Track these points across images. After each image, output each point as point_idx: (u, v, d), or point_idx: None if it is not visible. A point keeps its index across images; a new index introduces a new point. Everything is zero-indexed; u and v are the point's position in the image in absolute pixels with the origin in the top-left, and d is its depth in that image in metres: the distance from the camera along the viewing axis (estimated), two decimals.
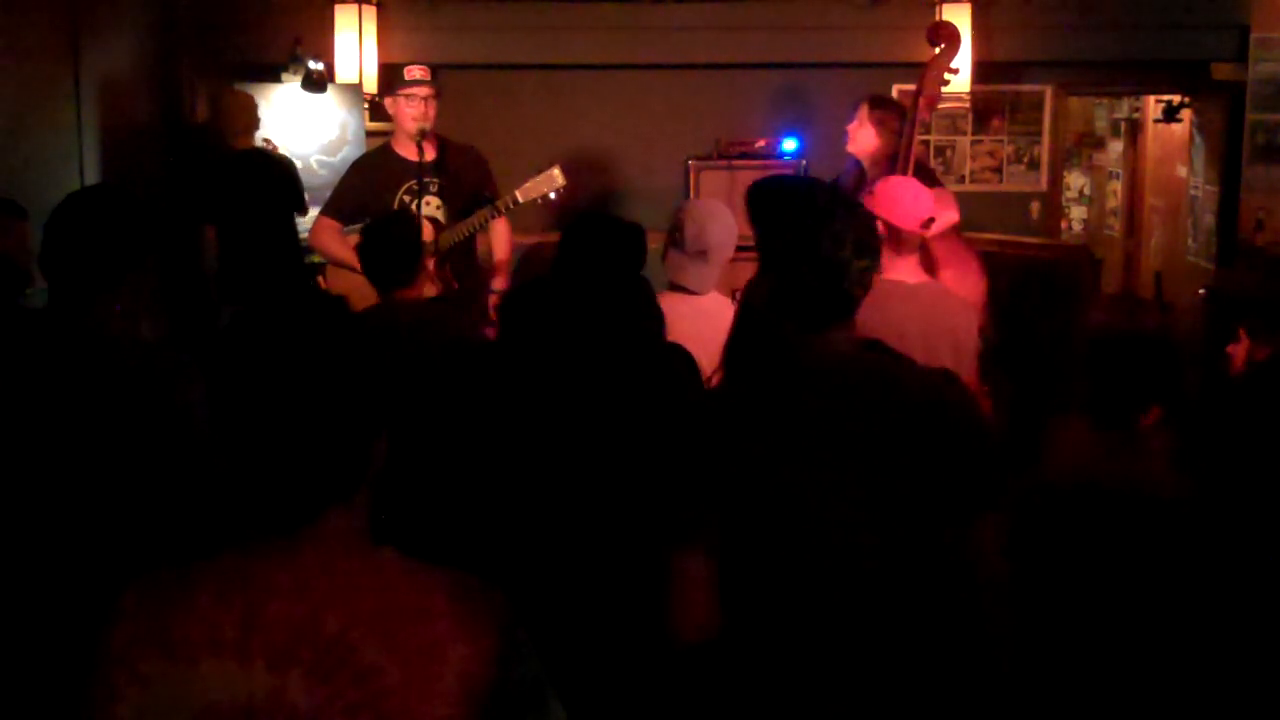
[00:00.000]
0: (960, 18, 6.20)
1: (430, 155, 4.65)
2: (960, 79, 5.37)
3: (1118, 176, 9.65)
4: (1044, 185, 7.19)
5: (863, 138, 4.62)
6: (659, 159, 6.58)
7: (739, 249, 3.61)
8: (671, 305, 3.07)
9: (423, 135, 4.57)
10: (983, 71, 6.52)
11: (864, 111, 4.61)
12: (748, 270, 2.25)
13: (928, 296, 3.37)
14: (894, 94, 5.88)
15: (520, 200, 4.59)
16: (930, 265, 3.84)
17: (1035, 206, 7.16)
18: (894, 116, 4.59)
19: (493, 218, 4.67)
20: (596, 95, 6.89)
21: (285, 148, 6.14)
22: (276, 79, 6.34)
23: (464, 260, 4.77)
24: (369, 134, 6.30)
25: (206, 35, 6.39)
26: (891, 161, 4.50)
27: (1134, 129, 9.21)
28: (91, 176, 5.19)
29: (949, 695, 2.03)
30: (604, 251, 3.00)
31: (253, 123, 6.00)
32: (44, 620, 2.26)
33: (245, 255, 5.68)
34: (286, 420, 1.38)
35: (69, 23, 5.10)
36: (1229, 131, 6.80)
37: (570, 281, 2.85)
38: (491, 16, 6.57)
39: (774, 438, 2.02)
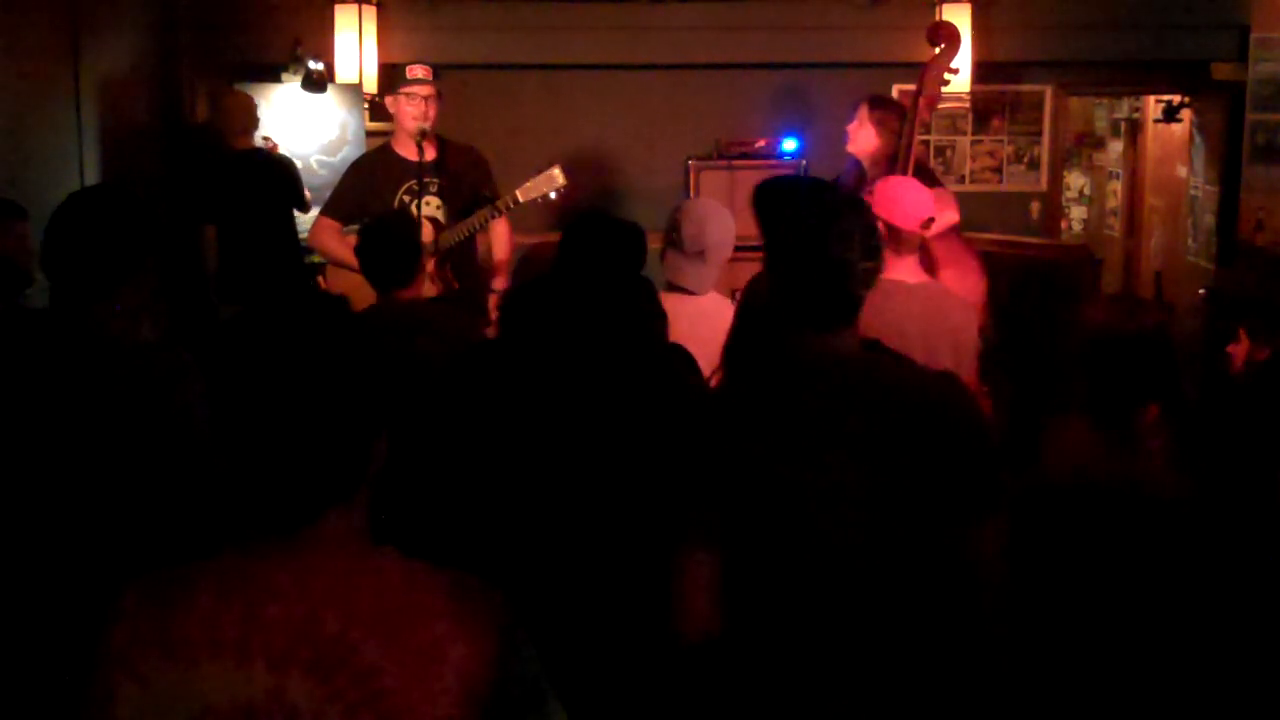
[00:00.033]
0: (960, 18, 6.21)
1: (430, 155, 4.65)
2: (960, 79, 5.37)
3: (1118, 176, 9.64)
4: (1044, 185, 7.19)
5: (863, 138, 4.62)
6: (659, 159, 6.59)
7: (738, 249, 3.61)
8: (670, 305, 3.07)
9: (423, 135, 4.57)
10: (983, 71, 6.53)
11: (864, 111, 4.61)
12: (747, 270, 2.25)
13: (928, 296, 3.37)
14: (894, 94, 5.88)
15: (521, 200, 4.59)
16: (930, 265, 3.84)
17: (1035, 206, 7.17)
18: (894, 116, 4.59)
19: (493, 218, 4.66)
20: (596, 95, 6.89)
21: (285, 148, 6.15)
22: (276, 79, 6.34)
23: (464, 260, 4.77)
24: (369, 134, 6.31)
25: (206, 35, 6.40)
26: (891, 161, 4.50)
27: (1134, 129, 9.21)
28: (91, 176, 5.19)
29: (948, 695, 2.03)
30: (604, 252, 3.00)
31: (252, 123, 6.01)
32: (44, 620, 2.26)
33: (245, 255, 5.69)
34: (286, 420, 1.38)
35: (69, 23, 5.10)
36: (1229, 131, 6.81)
37: (570, 282, 2.85)
38: (491, 16, 6.58)
39: (774, 438, 2.02)
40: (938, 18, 6.02)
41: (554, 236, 3.19)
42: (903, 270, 3.36)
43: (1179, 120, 7.81)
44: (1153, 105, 8.47)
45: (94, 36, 5.30)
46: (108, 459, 2.32)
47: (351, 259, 3.79)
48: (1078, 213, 10.42)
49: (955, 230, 4.38)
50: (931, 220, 3.43)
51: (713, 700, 2.07)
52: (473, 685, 1.35)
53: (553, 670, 1.47)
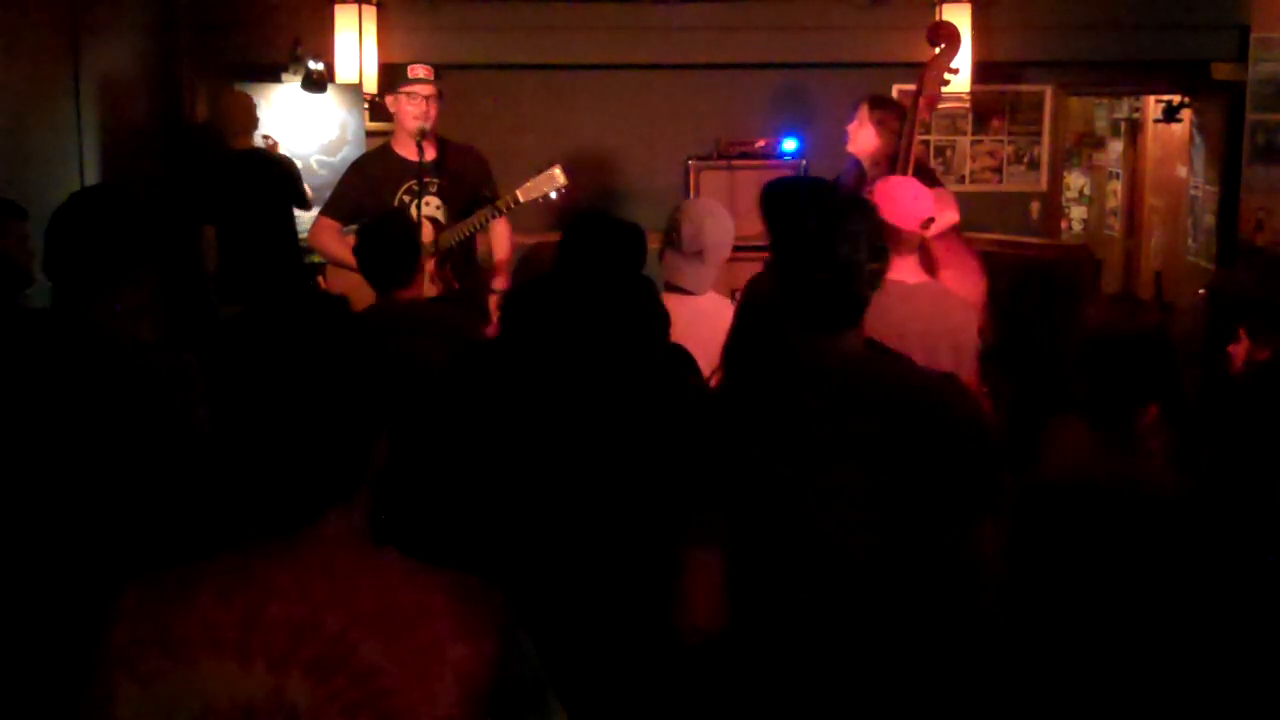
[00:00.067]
0: (960, 18, 6.20)
1: (430, 155, 4.64)
2: (960, 79, 5.37)
3: (1118, 176, 9.64)
4: (1044, 185, 7.19)
5: (863, 138, 4.62)
6: (659, 159, 6.59)
7: (738, 249, 3.61)
8: (669, 306, 3.06)
9: (423, 135, 4.57)
10: (983, 71, 6.52)
11: (864, 111, 4.61)
12: (747, 270, 2.25)
13: (928, 296, 3.37)
14: (894, 94, 5.88)
15: (521, 200, 4.59)
16: (930, 265, 3.83)
17: (1035, 206, 7.16)
18: (894, 116, 4.59)
19: (493, 217, 4.66)
20: (596, 95, 6.89)
21: (285, 147, 6.15)
22: (276, 79, 6.34)
23: (464, 260, 4.77)
24: (369, 134, 6.30)
25: (206, 35, 6.39)
26: (891, 161, 4.50)
27: (1134, 129, 9.21)
28: (91, 176, 5.19)
29: (948, 693, 2.03)
30: (604, 252, 3.00)
31: (252, 123, 6.01)
32: (44, 620, 2.26)
33: (245, 255, 5.68)
34: (287, 420, 1.38)
35: (69, 23, 5.10)
36: (1229, 131, 6.80)
37: (571, 282, 2.85)
38: (491, 16, 6.57)
39: (774, 438, 2.02)
40: (938, 18, 6.02)
41: (554, 236, 3.18)
42: (903, 270, 3.36)
43: (1179, 120, 7.81)
44: (1153, 105, 8.47)
45: (94, 36, 5.30)
46: (108, 459, 2.32)
47: (351, 259, 3.79)
48: (1078, 213, 10.42)
49: (955, 230, 4.38)
50: (931, 220, 3.43)
51: (713, 699, 2.08)
52: (473, 685, 1.35)
53: (553, 670, 1.47)
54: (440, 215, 4.70)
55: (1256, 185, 6.51)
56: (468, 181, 4.77)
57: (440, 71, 4.72)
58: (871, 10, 6.60)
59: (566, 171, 4.59)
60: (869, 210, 2.15)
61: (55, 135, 5.01)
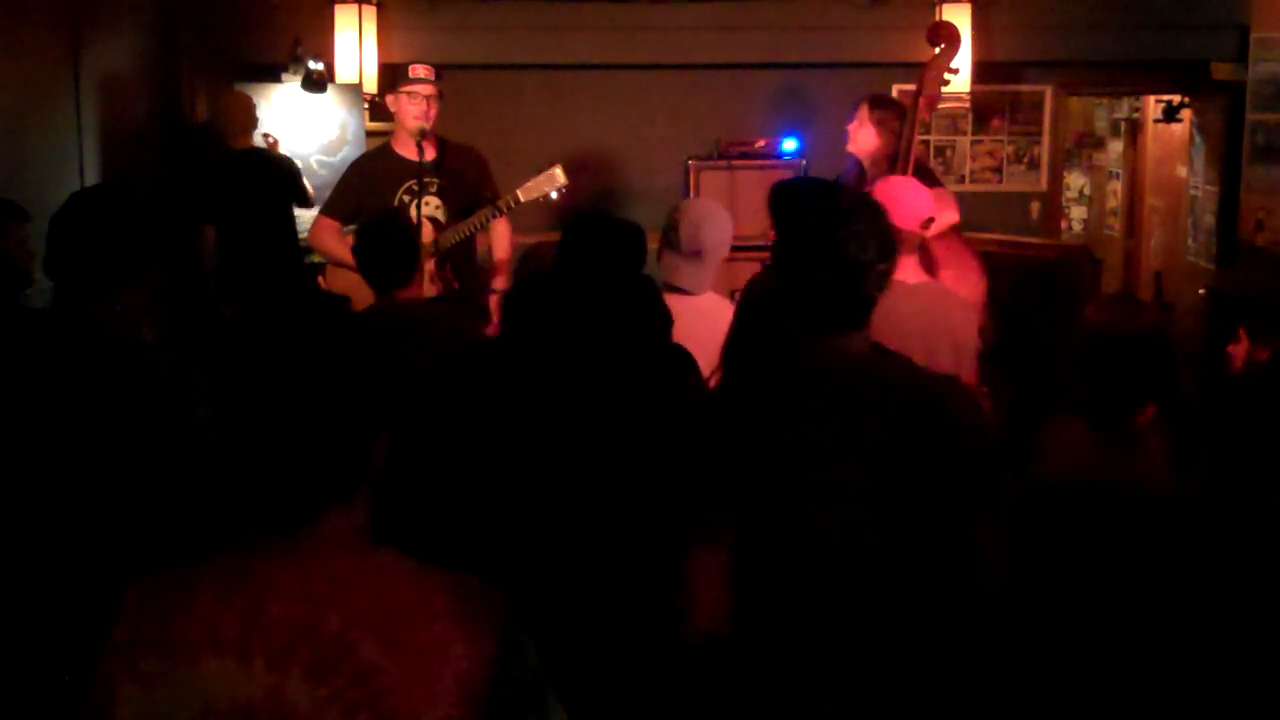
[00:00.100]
0: (960, 18, 6.21)
1: (430, 155, 4.64)
2: (960, 79, 5.37)
3: (1118, 176, 9.64)
4: (1044, 185, 7.19)
5: (863, 138, 4.62)
6: (659, 159, 6.59)
7: (737, 249, 3.61)
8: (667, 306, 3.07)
9: (423, 134, 4.57)
10: (983, 71, 6.53)
11: (864, 111, 4.61)
12: (747, 270, 2.25)
13: (928, 296, 3.37)
14: (894, 94, 5.88)
15: (522, 200, 4.59)
16: (930, 265, 3.84)
17: (1035, 206, 7.17)
18: (894, 116, 4.59)
19: (494, 217, 4.67)
20: (596, 95, 6.89)
21: (285, 147, 6.15)
22: (276, 79, 6.34)
23: (464, 260, 4.77)
24: (369, 134, 6.30)
25: (206, 35, 6.40)
26: (891, 161, 4.50)
27: (1134, 129, 9.21)
28: (91, 176, 5.19)
29: (948, 693, 2.03)
30: (604, 251, 3.00)
31: (252, 123, 6.01)
32: (44, 620, 2.26)
33: (245, 255, 5.69)
34: (287, 421, 1.38)
35: (69, 23, 5.10)
36: (1229, 131, 6.80)
37: (571, 281, 2.85)
38: (491, 16, 6.57)
39: (775, 438, 2.02)
40: (938, 18, 6.02)
41: (554, 236, 3.19)
42: (903, 270, 3.34)
43: (1179, 120, 7.81)
44: (1153, 105, 8.47)
45: (94, 36, 5.30)
46: (108, 459, 2.32)
47: (351, 259, 3.79)
48: (1078, 213, 10.42)
49: (955, 230, 4.38)
50: (931, 220, 3.43)
51: (713, 699, 2.08)
52: (473, 685, 1.35)
53: (553, 670, 1.47)
54: (440, 215, 4.70)
55: (1256, 185, 6.51)
56: (468, 181, 4.77)
57: (440, 71, 4.72)
58: (871, 10, 6.60)
59: (567, 171, 4.59)
60: (878, 210, 2.14)
61: (55, 135, 5.02)
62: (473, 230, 4.66)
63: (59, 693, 2.03)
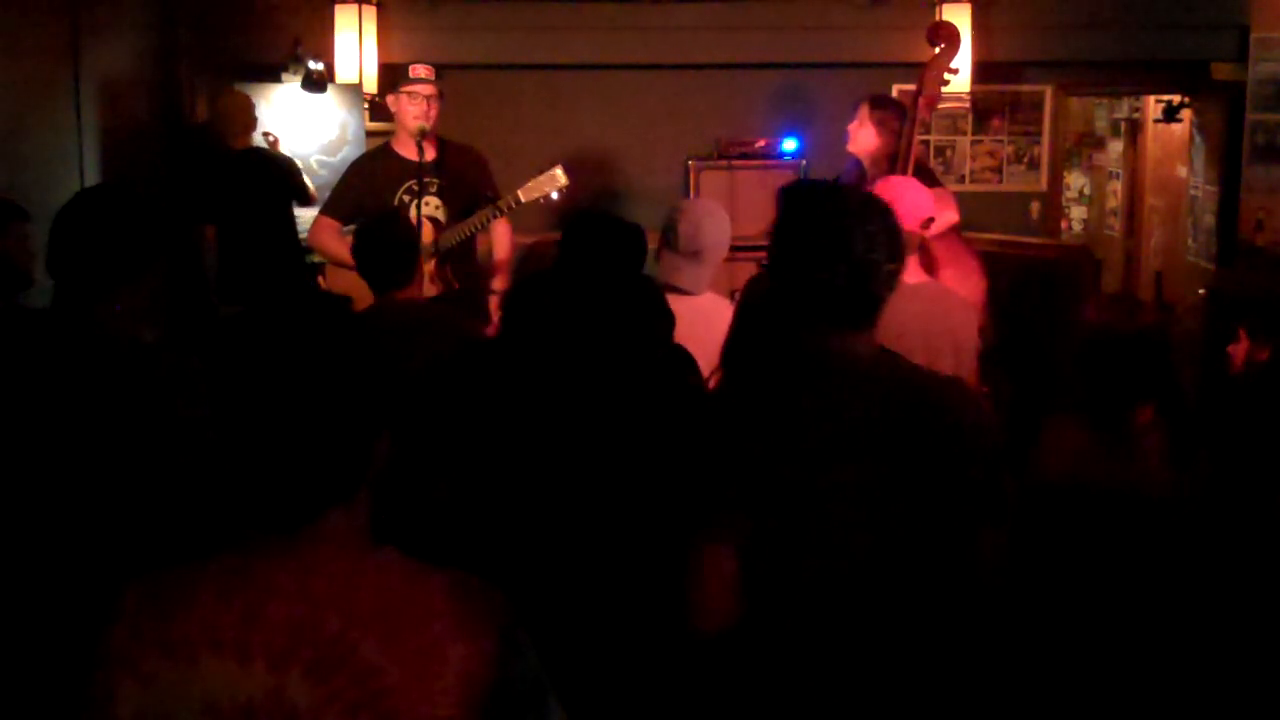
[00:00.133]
0: (960, 18, 6.21)
1: (430, 155, 4.64)
2: (960, 79, 5.38)
3: (1118, 176, 9.65)
4: (1044, 185, 7.19)
5: (863, 138, 4.62)
6: (659, 159, 6.59)
7: (737, 249, 3.61)
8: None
9: (423, 134, 4.57)
10: (983, 71, 6.53)
11: (864, 111, 4.61)
12: (747, 270, 2.24)
13: (928, 296, 3.37)
14: (894, 94, 5.88)
15: (522, 200, 4.59)
16: (930, 265, 3.84)
17: (1035, 206, 7.17)
18: (894, 116, 4.59)
19: (494, 218, 4.67)
20: (596, 95, 6.89)
21: (285, 147, 6.15)
22: (276, 79, 6.34)
23: (464, 260, 4.77)
24: (369, 134, 6.31)
25: (206, 35, 6.40)
26: (891, 161, 4.50)
27: (1134, 129, 9.21)
28: (91, 176, 5.19)
29: (948, 693, 2.03)
30: (604, 251, 3.00)
31: (252, 123, 6.01)
32: (44, 620, 2.26)
33: (245, 255, 5.69)
34: (287, 420, 1.38)
35: (69, 23, 5.11)
36: (1229, 131, 6.80)
37: (572, 281, 2.85)
38: (491, 16, 6.58)
39: (776, 438, 2.02)
40: (938, 18, 6.02)
41: (554, 236, 3.19)
42: (903, 270, 3.36)
43: (1179, 120, 7.81)
44: (1153, 105, 8.47)
45: (94, 36, 5.30)
46: (108, 459, 2.32)
47: (351, 259, 3.79)
48: (1078, 213, 10.42)
49: (955, 230, 4.38)
50: (931, 220, 3.44)
51: (712, 699, 2.08)
52: (473, 685, 1.35)
53: (553, 670, 1.47)
54: (440, 215, 4.70)
55: (1256, 185, 6.51)
56: (468, 181, 4.77)
57: (440, 71, 4.72)
58: (871, 10, 6.60)
59: (567, 171, 4.59)
60: (887, 211, 2.14)
61: (55, 135, 5.02)
62: (473, 230, 4.66)
63: (59, 692, 2.03)
